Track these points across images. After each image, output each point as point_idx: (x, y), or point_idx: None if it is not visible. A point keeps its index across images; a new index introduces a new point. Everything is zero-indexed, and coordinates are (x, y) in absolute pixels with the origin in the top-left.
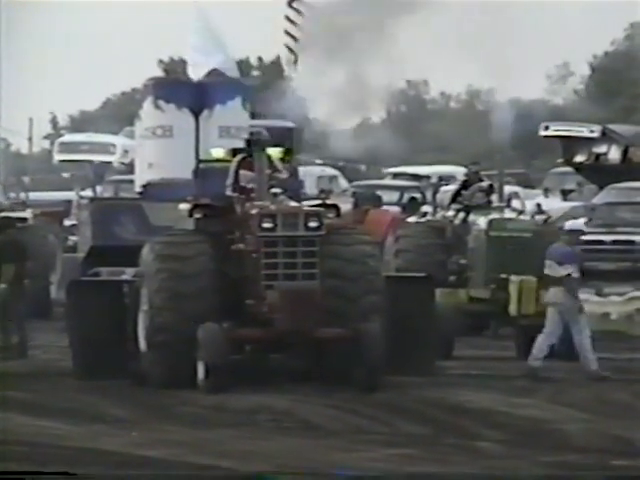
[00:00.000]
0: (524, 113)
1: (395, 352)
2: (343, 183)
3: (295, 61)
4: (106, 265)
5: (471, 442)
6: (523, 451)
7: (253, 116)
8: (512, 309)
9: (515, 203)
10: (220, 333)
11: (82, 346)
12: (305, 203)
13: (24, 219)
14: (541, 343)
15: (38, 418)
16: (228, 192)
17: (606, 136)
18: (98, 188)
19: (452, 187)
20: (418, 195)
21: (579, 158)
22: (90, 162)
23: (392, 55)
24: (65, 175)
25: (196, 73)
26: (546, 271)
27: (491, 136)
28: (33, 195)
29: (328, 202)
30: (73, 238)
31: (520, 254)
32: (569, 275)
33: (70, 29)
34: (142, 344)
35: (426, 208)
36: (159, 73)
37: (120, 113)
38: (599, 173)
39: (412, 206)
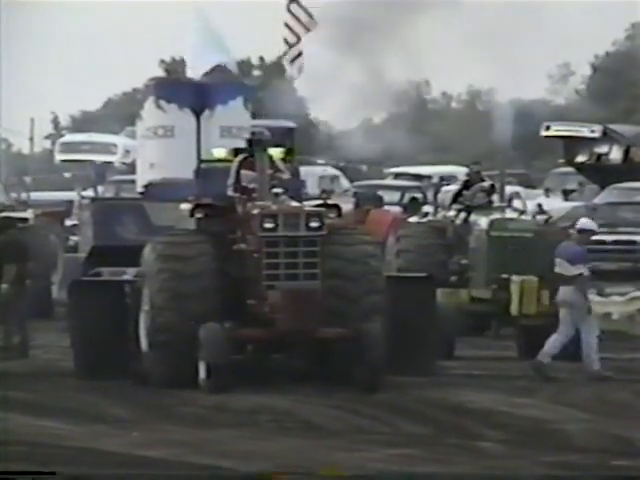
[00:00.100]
0: (525, 113)
1: (396, 352)
2: (344, 183)
3: (294, 60)
4: (107, 265)
5: (472, 442)
6: (524, 451)
7: (254, 116)
8: (513, 309)
9: (516, 203)
10: (221, 333)
11: (83, 346)
12: (306, 203)
13: (25, 219)
14: (554, 341)
15: (39, 418)
16: (229, 192)
17: (607, 136)
18: (99, 188)
19: (453, 187)
20: (419, 195)
21: (580, 158)
22: (91, 162)
23: (391, 56)
24: (66, 175)
25: (196, 73)
26: (556, 269)
27: (492, 136)
28: (34, 195)
29: (329, 202)
30: (74, 238)
31: (521, 254)
32: (581, 274)
33: (71, 29)
34: (143, 344)
35: (427, 208)
36: (160, 73)
37: (121, 113)
38: (600, 173)
39: (413, 206)
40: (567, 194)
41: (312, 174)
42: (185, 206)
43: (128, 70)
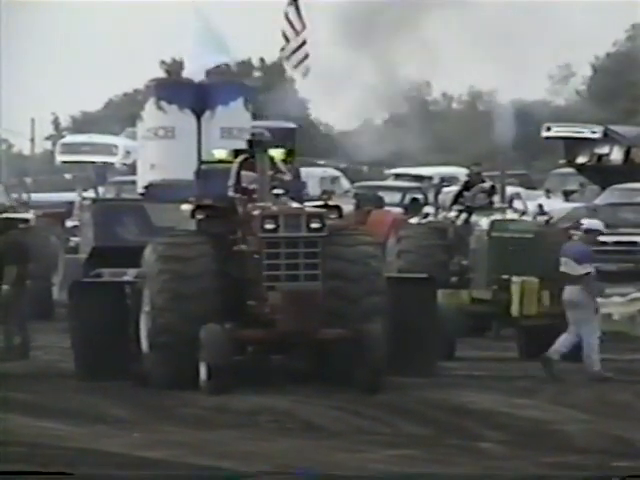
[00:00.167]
0: (526, 114)
1: (397, 353)
2: (345, 184)
3: (299, 63)
4: (108, 266)
5: (473, 443)
6: (525, 452)
7: (255, 117)
8: (514, 310)
9: (517, 204)
10: (222, 334)
11: (84, 347)
12: (307, 204)
13: (26, 220)
14: (564, 340)
15: (39, 419)
16: (230, 193)
17: (608, 137)
18: (100, 189)
19: (454, 188)
20: (420, 196)
21: (581, 159)
22: (92, 163)
23: (393, 55)
24: (67, 176)
25: (194, 73)
26: (562, 269)
27: (493, 137)
28: (35, 196)
29: (330, 203)
30: (75, 239)
31: (522, 255)
32: (588, 273)
33: (71, 29)
34: (144, 345)
35: (428, 209)
36: (161, 74)
37: (122, 114)
38: (601, 174)
39: (414, 207)
40: (568, 195)
41: (313, 175)
42: (186, 207)
43: (129, 71)
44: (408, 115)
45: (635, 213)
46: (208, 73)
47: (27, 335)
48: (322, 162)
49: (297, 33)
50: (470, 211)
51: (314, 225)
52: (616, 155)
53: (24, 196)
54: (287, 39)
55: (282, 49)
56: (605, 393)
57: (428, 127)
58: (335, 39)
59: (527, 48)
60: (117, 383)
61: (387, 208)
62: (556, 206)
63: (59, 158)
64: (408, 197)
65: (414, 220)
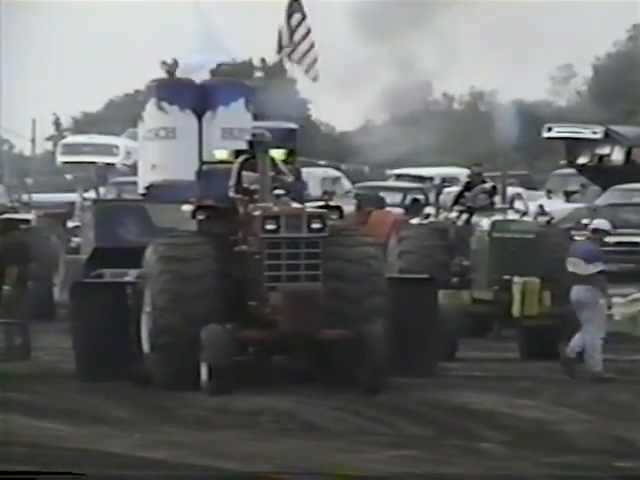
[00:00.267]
0: (527, 114)
1: (398, 353)
2: (346, 184)
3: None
4: (109, 267)
5: (474, 443)
6: (526, 452)
7: (256, 117)
8: (515, 310)
9: (518, 204)
10: (223, 335)
11: (85, 348)
12: (308, 204)
13: (27, 221)
14: (578, 339)
15: (40, 419)
16: (231, 193)
17: (609, 137)
18: (101, 190)
19: (455, 188)
20: (421, 196)
21: (582, 159)
22: (93, 164)
23: (393, 55)
24: (68, 177)
25: (192, 72)
26: (570, 269)
27: (494, 137)
28: (36, 197)
29: (331, 203)
30: (76, 240)
31: (523, 255)
32: (600, 272)
33: (71, 29)
34: (145, 346)
35: (429, 209)
36: (162, 74)
37: (123, 115)
38: (602, 174)
39: (415, 207)
40: (569, 195)
41: (314, 176)
42: (187, 207)
43: (129, 71)
44: (408, 115)
45: (636, 214)
46: (213, 74)
47: (28, 336)
48: (323, 162)
49: (304, 37)
50: (471, 212)
51: (315, 226)
52: (617, 156)
53: (25, 197)
54: (294, 44)
55: (290, 53)
56: (606, 393)
57: (429, 127)
58: (342, 39)
59: (528, 49)
60: (118, 384)
61: (388, 209)
62: (557, 207)
63: (60, 159)
64: (409, 198)
65: (415, 221)
